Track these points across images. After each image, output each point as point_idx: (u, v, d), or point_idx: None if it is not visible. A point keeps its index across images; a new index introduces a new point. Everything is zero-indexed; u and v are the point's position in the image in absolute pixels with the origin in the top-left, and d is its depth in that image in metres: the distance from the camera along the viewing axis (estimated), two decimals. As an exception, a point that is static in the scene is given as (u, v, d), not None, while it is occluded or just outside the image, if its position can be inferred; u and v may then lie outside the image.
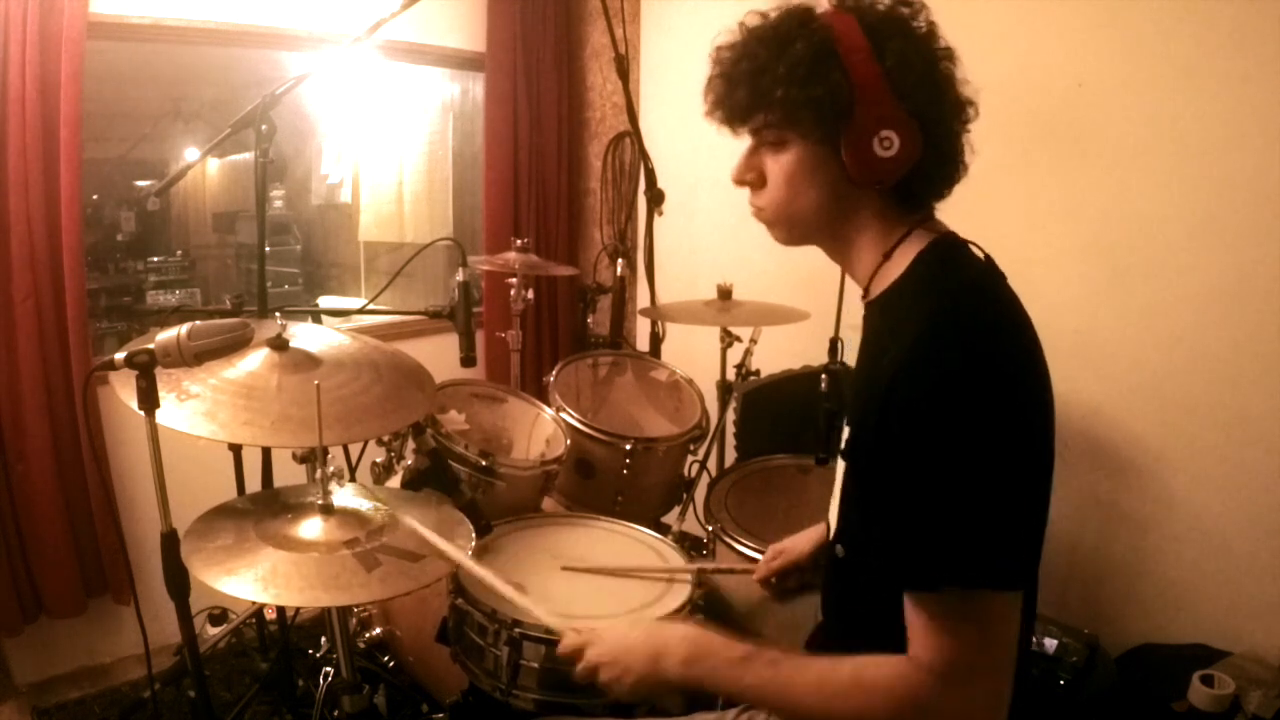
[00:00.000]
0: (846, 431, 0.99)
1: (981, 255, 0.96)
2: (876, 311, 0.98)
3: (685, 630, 1.01)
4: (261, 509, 1.24)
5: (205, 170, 4.09)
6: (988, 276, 0.93)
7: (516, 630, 1.26)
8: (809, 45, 0.88)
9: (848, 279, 1.06)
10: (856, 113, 0.88)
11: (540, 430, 1.92)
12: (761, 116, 0.94)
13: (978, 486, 0.81)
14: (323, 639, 1.96)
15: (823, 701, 0.87)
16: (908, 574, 0.84)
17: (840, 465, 1.03)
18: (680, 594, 1.37)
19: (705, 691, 0.99)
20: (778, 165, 0.96)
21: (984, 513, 0.81)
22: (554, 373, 2.04)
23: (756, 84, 0.91)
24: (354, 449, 1.91)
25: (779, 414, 2.17)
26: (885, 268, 0.96)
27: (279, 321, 1.45)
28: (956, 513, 0.80)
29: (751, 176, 1.01)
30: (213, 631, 2.00)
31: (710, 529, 1.82)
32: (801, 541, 1.42)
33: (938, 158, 0.92)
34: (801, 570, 1.41)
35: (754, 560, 1.70)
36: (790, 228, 1.01)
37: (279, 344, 1.34)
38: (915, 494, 0.82)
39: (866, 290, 1.00)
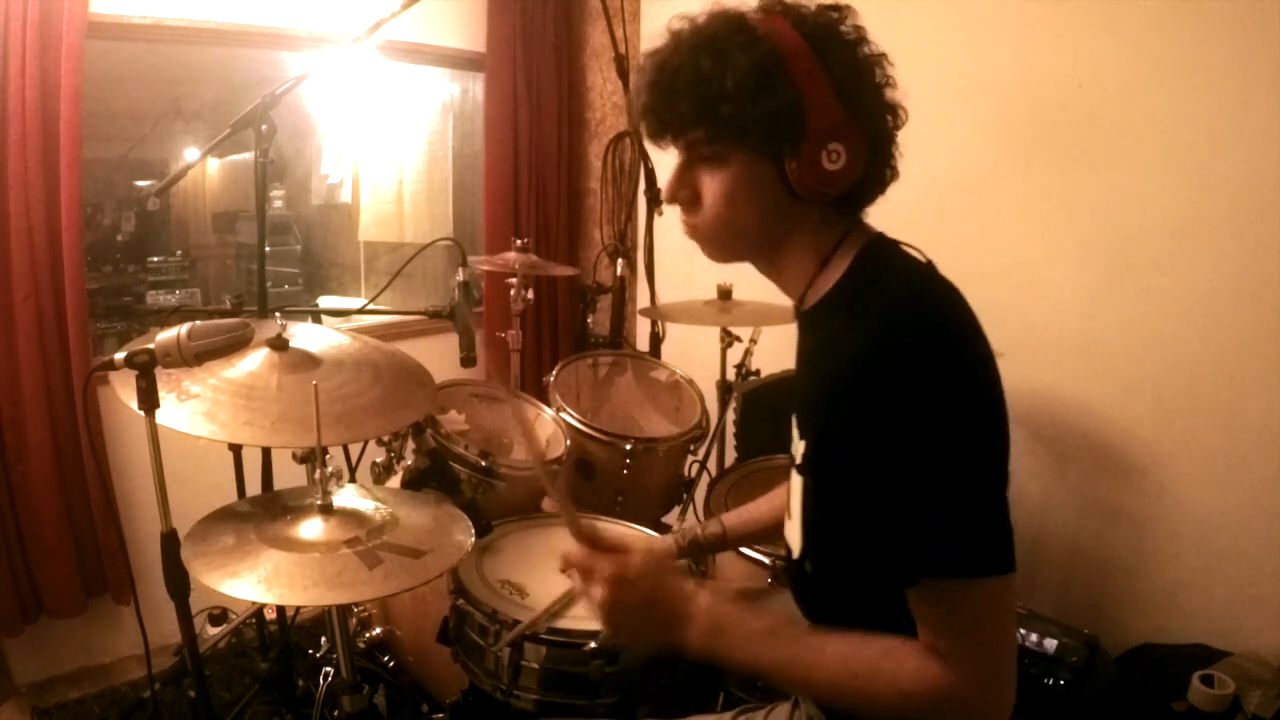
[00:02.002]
0: (800, 446, 0.96)
1: (917, 254, 0.94)
2: (815, 319, 0.96)
3: (709, 599, 0.96)
4: (261, 511, 1.25)
5: (205, 170, 4.09)
6: (927, 272, 0.92)
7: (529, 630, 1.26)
8: (753, 57, 0.85)
9: None
10: (807, 126, 0.85)
11: (540, 430, 1.92)
12: (701, 131, 0.90)
13: (965, 475, 0.81)
14: (323, 639, 1.96)
15: (846, 678, 0.85)
16: (904, 571, 0.83)
17: (795, 481, 0.99)
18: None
19: (720, 663, 0.94)
20: (715, 181, 0.93)
21: (976, 500, 0.81)
22: (554, 373, 2.04)
23: (701, 97, 0.87)
24: (354, 449, 1.91)
25: (779, 414, 2.16)
26: (821, 276, 0.94)
27: (279, 321, 1.45)
28: (943, 504, 0.80)
29: (685, 194, 0.97)
30: (213, 631, 2.00)
31: (702, 521, 1.82)
32: (656, 542, 1.41)
33: (878, 165, 0.91)
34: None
35: (756, 562, 1.70)
36: (725, 245, 0.98)
37: (279, 344, 1.34)
38: (890, 492, 0.82)
39: (801, 300, 0.98)
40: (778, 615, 0.93)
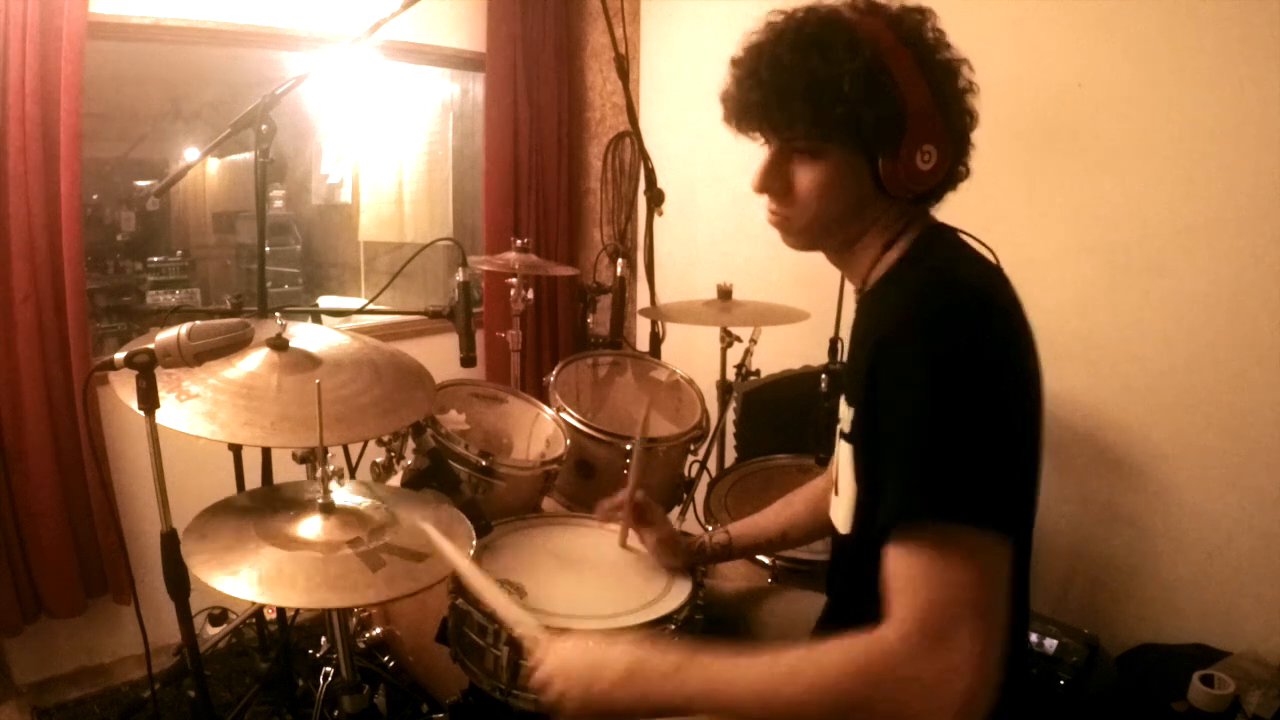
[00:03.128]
0: (847, 414, 0.99)
1: (975, 241, 0.99)
2: (870, 297, 1.00)
3: (624, 646, 0.95)
4: (261, 506, 1.24)
5: (205, 170, 4.09)
6: (974, 254, 0.97)
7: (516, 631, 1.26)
8: (863, 61, 0.87)
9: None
10: (908, 128, 0.89)
11: (540, 430, 1.92)
12: (811, 129, 0.92)
13: (957, 424, 0.79)
14: (323, 639, 1.96)
15: (771, 687, 0.81)
16: (886, 516, 0.81)
17: (843, 451, 1.01)
18: (681, 593, 1.37)
19: (653, 712, 0.91)
20: (811, 174, 0.95)
21: (965, 450, 0.79)
22: (554, 373, 2.04)
23: (815, 98, 0.89)
24: (354, 449, 1.91)
25: (779, 414, 2.17)
26: (881, 261, 0.98)
27: (279, 321, 1.45)
28: (936, 448, 0.79)
29: (778, 185, 0.98)
30: (213, 631, 2.00)
31: (710, 529, 1.82)
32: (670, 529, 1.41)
33: (957, 164, 0.96)
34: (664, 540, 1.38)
35: (757, 562, 1.70)
36: (811, 235, 1.00)
37: (279, 344, 1.34)
38: (898, 434, 0.83)
39: (863, 284, 1.02)
40: (685, 651, 0.90)
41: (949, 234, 0.99)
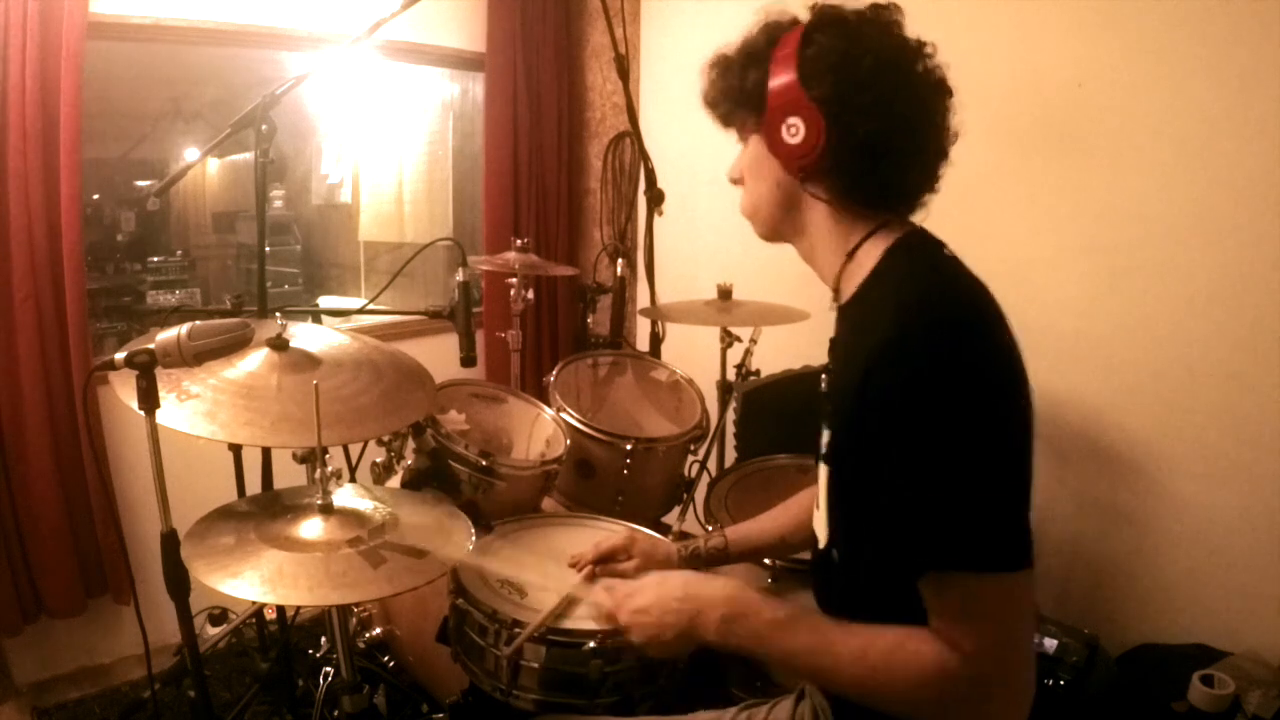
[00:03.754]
0: (825, 436, 0.98)
1: (949, 253, 0.95)
2: (847, 313, 0.99)
3: (729, 587, 0.98)
4: (261, 511, 1.24)
5: (205, 170, 4.08)
6: (950, 267, 0.92)
7: (517, 630, 1.26)
8: (758, 39, 0.96)
9: None
10: (768, 100, 0.94)
11: (540, 430, 1.92)
12: (723, 109, 1.01)
13: (979, 467, 0.80)
14: (323, 639, 1.96)
15: (866, 671, 0.86)
16: (928, 559, 0.83)
17: (822, 471, 1.02)
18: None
19: (740, 652, 0.96)
20: (742, 160, 1.04)
21: (990, 497, 0.81)
22: (554, 373, 2.04)
23: (721, 74, 1.00)
24: (354, 449, 1.91)
25: (779, 414, 2.17)
26: (849, 270, 0.97)
27: (279, 321, 1.45)
28: (968, 495, 0.80)
29: (736, 174, 1.07)
30: (213, 631, 2.00)
31: (710, 529, 1.82)
32: (661, 545, 1.42)
33: (864, 151, 0.91)
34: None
35: (760, 565, 1.70)
36: (758, 222, 1.06)
37: (279, 344, 1.34)
38: (918, 486, 0.82)
39: (836, 294, 1.01)
40: (797, 605, 0.94)
41: (918, 244, 0.95)
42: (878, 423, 0.83)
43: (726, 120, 1.03)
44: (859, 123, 0.90)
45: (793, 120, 0.92)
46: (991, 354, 0.84)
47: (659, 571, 1.12)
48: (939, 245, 0.96)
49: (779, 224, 1.04)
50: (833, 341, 1.03)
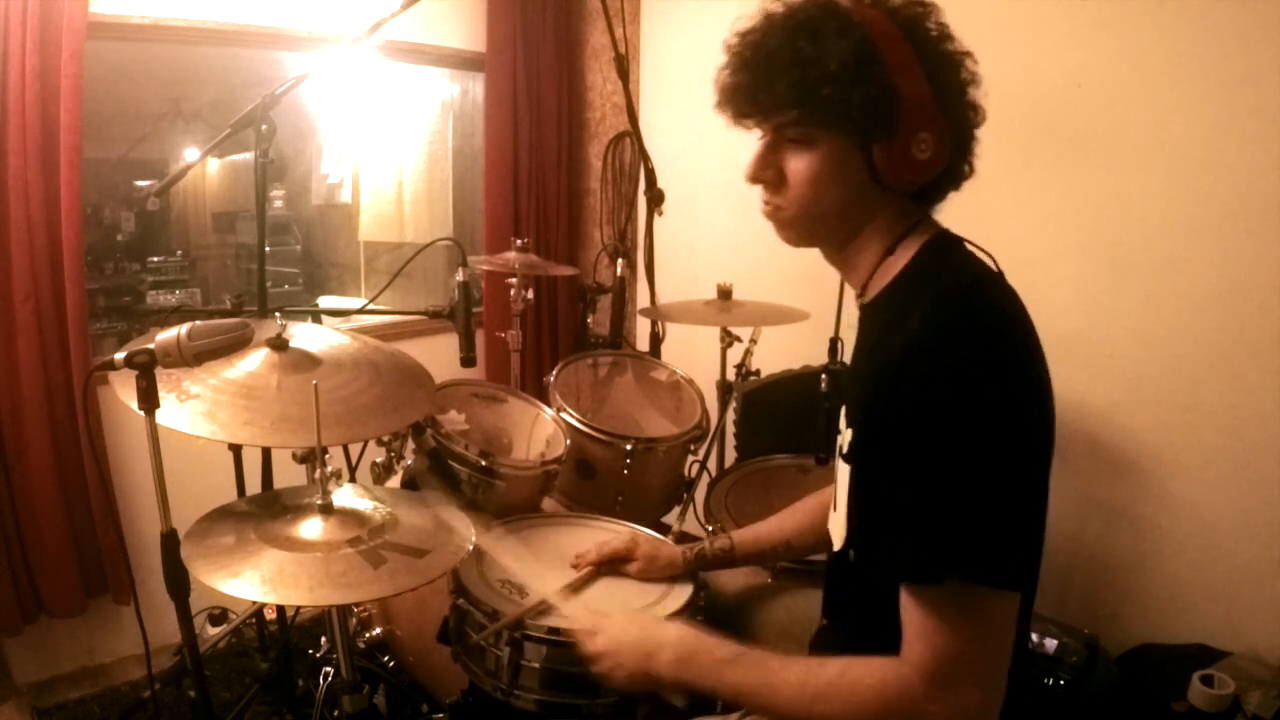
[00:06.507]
0: (846, 434, 0.98)
1: (983, 254, 0.96)
2: (875, 310, 0.97)
3: (680, 630, 1.02)
4: (261, 511, 1.24)
5: (205, 170, 4.09)
6: (987, 270, 0.93)
7: (517, 630, 1.26)
8: (852, 42, 0.85)
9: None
10: (900, 114, 0.86)
11: (540, 430, 1.92)
12: (795, 113, 0.90)
13: (984, 478, 0.80)
14: (323, 639, 1.96)
15: (806, 702, 0.87)
16: (908, 565, 0.83)
17: (842, 470, 1.01)
18: (682, 595, 1.37)
19: (694, 689, 1.00)
20: (802, 164, 0.93)
21: (989, 506, 0.80)
22: (554, 373, 2.04)
23: (800, 78, 0.87)
24: (354, 449, 1.91)
25: (779, 414, 2.17)
26: (884, 266, 0.95)
27: (279, 321, 1.45)
28: (962, 504, 0.80)
29: (770, 174, 0.96)
30: (213, 631, 2.00)
31: (710, 529, 1.82)
32: (664, 549, 1.43)
33: (958, 160, 0.93)
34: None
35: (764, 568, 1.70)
36: (804, 228, 0.98)
37: (279, 344, 1.34)
38: (921, 484, 0.82)
39: (863, 291, 1.00)
40: (753, 643, 0.96)
41: (954, 245, 0.96)
42: (911, 413, 0.82)
43: (770, 119, 0.94)
44: (966, 130, 0.92)
45: (924, 136, 0.87)
46: (1017, 363, 0.85)
47: (619, 614, 1.15)
48: (961, 242, 0.96)
49: (833, 229, 0.97)
50: (857, 340, 1.01)
